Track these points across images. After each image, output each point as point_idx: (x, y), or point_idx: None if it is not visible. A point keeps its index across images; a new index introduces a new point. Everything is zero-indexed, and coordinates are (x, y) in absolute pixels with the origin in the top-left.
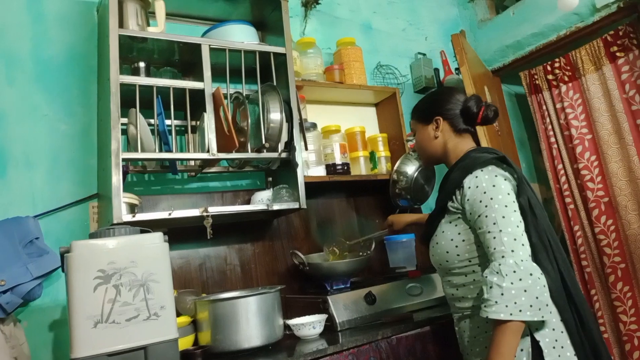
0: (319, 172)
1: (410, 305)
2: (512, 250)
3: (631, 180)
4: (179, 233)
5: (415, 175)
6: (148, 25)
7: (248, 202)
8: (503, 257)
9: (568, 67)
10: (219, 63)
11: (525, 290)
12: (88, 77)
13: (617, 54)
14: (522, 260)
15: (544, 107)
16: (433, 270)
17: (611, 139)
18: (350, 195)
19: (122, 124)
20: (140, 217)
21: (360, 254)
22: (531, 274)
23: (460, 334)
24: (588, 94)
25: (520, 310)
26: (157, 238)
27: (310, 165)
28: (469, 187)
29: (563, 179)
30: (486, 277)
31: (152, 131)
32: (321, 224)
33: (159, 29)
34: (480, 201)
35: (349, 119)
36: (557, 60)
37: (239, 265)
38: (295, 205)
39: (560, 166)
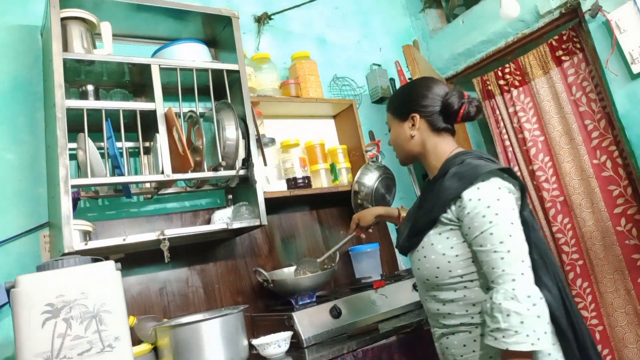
0: (280, 186)
1: (376, 316)
2: (522, 274)
3: (583, 179)
4: (137, 257)
5: (376, 185)
6: (94, 47)
7: (208, 221)
8: (514, 280)
9: (518, 72)
10: (171, 82)
11: (539, 317)
12: (34, 104)
13: (563, 57)
14: (532, 284)
15: (498, 112)
16: (398, 279)
17: (562, 140)
18: (313, 208)
19: (72, 150)
20: (93, 244)
21: (325, 267)
22: (541, 298)
23: (443, 350)
24: (538, 97)
25: (538, 339)
26: (108, 267)
27: (270, 181)
28: (470, 200)
29: None
30: (500, 303)
31: (103, 155)
32: (285, 239)
33: (106, 50)
34: (484, 216)
35: (308, 132)
36: (507, 65)
37: (202, 286)
38: (256, 222)
39: (516, 168)
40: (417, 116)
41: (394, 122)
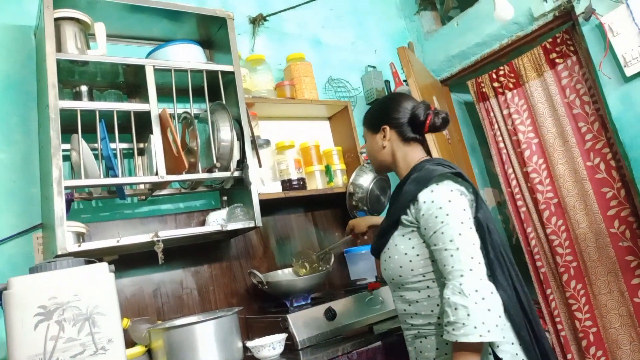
0: (275, 188)
1: (371, 317)
2: (471, 269)
3: (577, 181)
4: (131, 259)
5: (371, 186)
6: (88, 47)
7: (203, 223)
8: (462, 275)
9: (512, 75)
10: (165, 83)
11: (489, 310)
12: (27, 104)
13: (557, 60)
14: (480, 279)
15: (492, 114)
16: None
17: (556, 142)
18: (308, 209)
19: (65, 151)
20: (87, 246)
21: (320, 268)
22: (492, 292)
23: (417, 354)
24: (532, 99)
25: (488, 331)
26: (101, 269)
27: (265, 182)
28: (424, 202)
29: (514, 182)
30: (448, 298)
31: (97, 156)
32: (280, 241)
33: (100, 51)
34: (436, 217)
35: (303, 134)
36: (501, 68)
37: (196, 288)
38: (251, 224)
39: (510, 170)
40: (388, 128)
41: (368, 135)
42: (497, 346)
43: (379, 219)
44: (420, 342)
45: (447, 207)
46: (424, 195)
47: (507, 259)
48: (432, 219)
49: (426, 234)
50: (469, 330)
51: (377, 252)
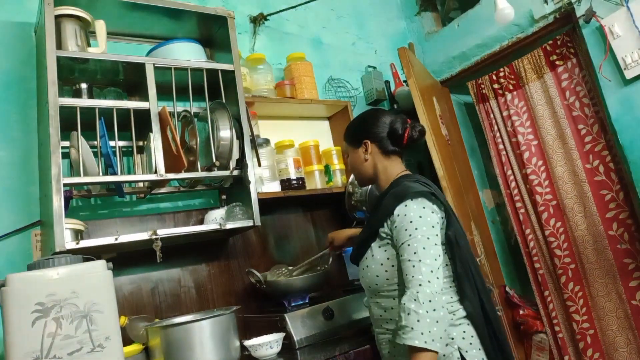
0: (274, 187)
1: (368, 318)
2: (429, 281)
3: (576, 183)
4: (129, 257)
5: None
6: (89, 45)
7: (201, 221)
8: (420, 285)
9: (512, 76)
10: (165, 82)
11: (437, 321)
12: (27, 101)
13: (557, 62)
14: (436, 292)
15: (492, 115)
16: None
17: (556, 144)
18: (307, 209)
19: (64, 148)
20: (85, 243)
21: (318, 268)
22: (443, 307)
23: (391, 358)
24: (532, 101)
25: (432, 340)
26: (99, 266)
27: (264, 181)
28: (398, 215)
29: (513, 184)
30: (404, 303)
31: (96, 154)
32: (278, 240)
33: (100, 49)
34: (406, 229)
35: (303, 134)
36: (501, 69)
37: (194, 287)
38: (249, 223)
39: (509, 172)
40: (369, 142)
41: (350, 150)
42: (466, 351)
43: (357, 230)
44: (394, 346)
45: (417, 221)
46: (398, 209)
47: (474, 271)
48: (403, 232)
49: (396, 244)
50: (415, 335)
51: (356, 260)
